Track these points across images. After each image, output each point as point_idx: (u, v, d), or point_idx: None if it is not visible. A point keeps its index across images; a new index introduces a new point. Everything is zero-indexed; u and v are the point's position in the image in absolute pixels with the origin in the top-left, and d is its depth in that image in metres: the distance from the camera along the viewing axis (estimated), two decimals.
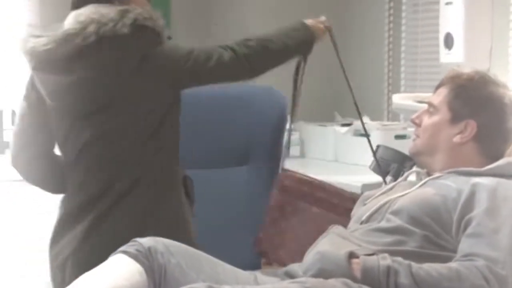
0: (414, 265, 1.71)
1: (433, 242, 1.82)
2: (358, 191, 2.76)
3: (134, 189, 2.07)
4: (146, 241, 1.83)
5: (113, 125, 2.07)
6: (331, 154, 3.49)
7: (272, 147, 2.68)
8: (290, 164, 3.29)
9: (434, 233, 1.83)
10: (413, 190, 1.94)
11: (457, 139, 1.99)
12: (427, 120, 2.04)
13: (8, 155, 2.57)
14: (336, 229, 1.96)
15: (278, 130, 2.70)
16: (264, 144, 2.66)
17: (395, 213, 1.89)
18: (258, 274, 1.91)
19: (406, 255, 1.77)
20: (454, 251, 1.79)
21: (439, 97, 2.04)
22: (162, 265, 1.79)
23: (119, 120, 2.07)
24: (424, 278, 1.69)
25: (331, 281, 1.73)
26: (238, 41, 2.14)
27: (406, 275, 1.69)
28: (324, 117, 3.74)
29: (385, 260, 1.71)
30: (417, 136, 2.07)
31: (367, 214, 1.96)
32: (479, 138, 1.98)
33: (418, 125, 2.07)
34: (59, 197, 3.27)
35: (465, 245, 1.76)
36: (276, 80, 3.00)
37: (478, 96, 2.00)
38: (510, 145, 2.03)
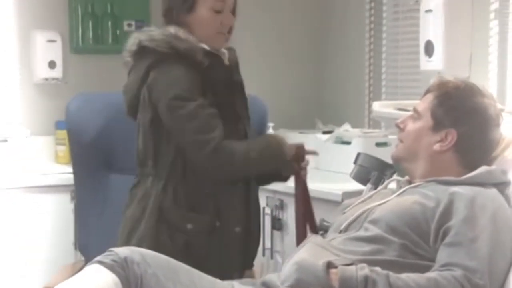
0: (392, 275, 1.70)
1: (411, 251, 1.81)
2: (339, 199, 2.76)
3: (135, 189, 2.23)
4: (122, 251, 1.81)
5: (136, 130, 2.24)
6: (312, 162, 3.45)
7: None
8: None
9: (412, 242, 1.82)
10: (391, 199, 1.94)
11: (436, 147, 1.98)
12: (410, 126, 2.04)
13: None
14: (314, 238, 1.94)
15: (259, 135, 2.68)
16: None
17: (374, 222, 1.88)
18: (235, 283, 1.90)
19: (385, 264, 1.76)
20: (432, 260, 1.78)
21: (424, 103, 2.03)
22: (138, 276, 1.77)
23: (138, 127, 2.23)
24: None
25: None
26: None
27: (384, 285, 1.68)
28: (306, 124, 3.73)
29: (363, 270, 1.70)
30: (400, 141, 2.07)
31: (346, 223, 1.95)
32: (458, 148, 1.98)
33: (402, 129, 2.06)
34: (58, 197, 3.28)
35: (443, 254, 1.76)
36: (257, 89, 2.99)
37: (461, 106, 1.99)
38: (490, 156, 2.03)
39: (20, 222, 3.20)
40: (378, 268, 1.72)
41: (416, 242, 1.82)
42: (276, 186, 3.06)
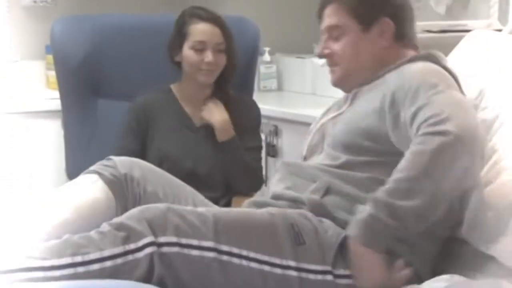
0: (380, 195, 1.52)
1: (381, 153, 1.69)
2: None
3: None
4: (122, 165, 1.76)
5: None
6: (309, 87, 3.41)
7: (245, 77, 2.60)
8: (266, 98, 3.24)
9: (377, 152, 1.69)
10: (344, 111, 1.84)
11: (381, 42, 1.81)
12: (337, 45, 1.85)
13: None
14: (287, 162, 1.86)
15: (251, 59, 2.62)
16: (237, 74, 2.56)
17: (334, 147, 1.77)
18: None
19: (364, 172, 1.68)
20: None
21: (332, 17, 1.85)
22: (137, 195, 1.75)
23: None
24: (394, 191, 1.51)
25: (291, 211, 1.64)
26: None
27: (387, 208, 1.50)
28: (302, 49, 3.65)
29: (363, 214, 1.53)
30: (335, 65, 1.88)
31: (307, 148, 1.90)
32: (398, 31, 1.82)
33: (330, 55, 1.89)
34: (50, 123, 3.23)
35: (412, 128, 1.57)
36: (253, 14, 2.90)
37: None
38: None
39: (11, 148, 3.16)
40: (369, 199, 1.54)
41: (382, 150, 1.68)
42: (270, 112, 3.02)
